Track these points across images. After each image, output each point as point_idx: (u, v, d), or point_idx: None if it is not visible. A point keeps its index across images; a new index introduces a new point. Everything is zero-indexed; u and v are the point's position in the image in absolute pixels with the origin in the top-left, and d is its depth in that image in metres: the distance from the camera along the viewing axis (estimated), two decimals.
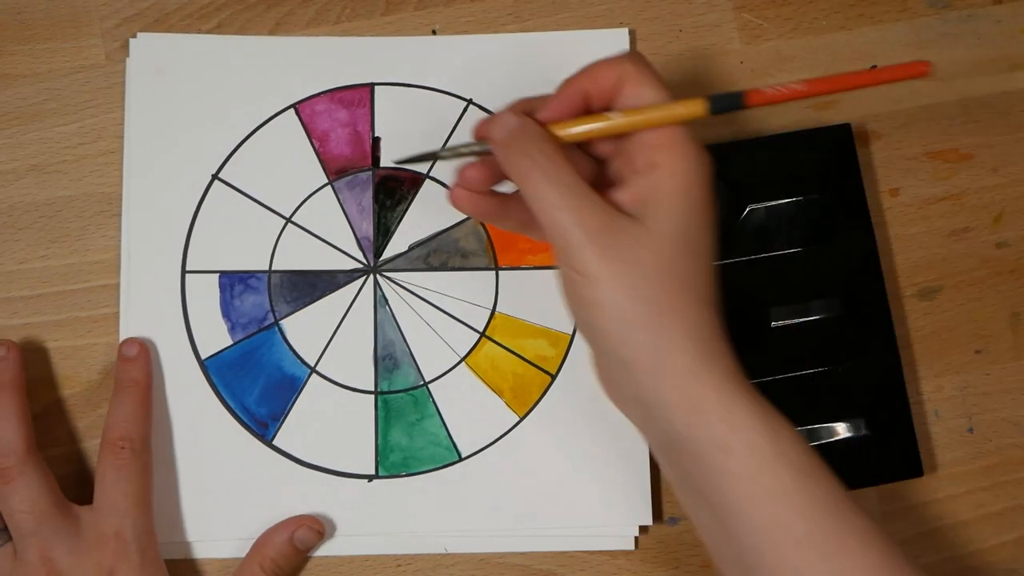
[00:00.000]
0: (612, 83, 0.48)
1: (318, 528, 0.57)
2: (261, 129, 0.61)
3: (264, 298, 0.60)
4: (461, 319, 0.60)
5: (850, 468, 0.58)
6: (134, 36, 0.60)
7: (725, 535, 0.46)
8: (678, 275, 0.46)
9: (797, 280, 0.59)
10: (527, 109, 0.50)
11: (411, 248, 0.60)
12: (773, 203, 0.59)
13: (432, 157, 0.55)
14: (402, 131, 0.61)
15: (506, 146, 0.48)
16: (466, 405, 0.59)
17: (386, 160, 0.61)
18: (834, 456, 0.58)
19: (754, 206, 0.59)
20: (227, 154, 0.60)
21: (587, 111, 0.49)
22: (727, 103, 0.46)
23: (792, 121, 0.62)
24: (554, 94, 0.49)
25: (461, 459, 0.59)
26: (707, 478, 0.46)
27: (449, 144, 0.59)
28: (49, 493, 0.54)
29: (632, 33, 0.62)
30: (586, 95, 0.49)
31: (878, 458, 0.59)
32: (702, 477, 0.46)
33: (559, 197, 0.46)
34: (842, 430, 0.59)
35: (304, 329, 0.59)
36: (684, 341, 0.46)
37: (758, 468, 0.45)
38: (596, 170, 0.51)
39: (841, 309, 0.59)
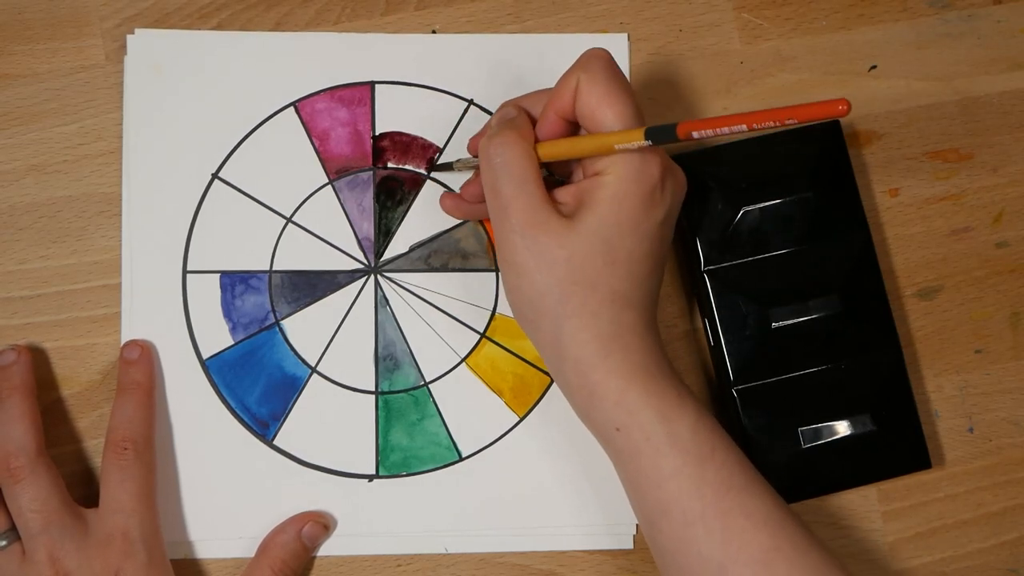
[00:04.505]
0: (570, 99, 0.52)
1: (324, 522, 0.58)
2: (261, 127, 0.61)
3: (265, 298, 0.60)
4: (462, 320, 0.60)
5: (857, 464, 0.59)
6: (132, 33, 0.60)
7: (635, 506, 0.52)
8: (589, 276, 0.50)
9: (795, 280, 0.59)
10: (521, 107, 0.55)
11: (412, 249, 0.60)
12: (767, 204, 0.59)
13: (450, 167, 0.60)
14: (402, 131, 0.61)
15: (492, 129, 0.53)
16: (466, 405, 0.59)
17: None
18: (841, 453, 0.58)
19: (748, 208, 0.59)
20: (227, 153, 0.60)
21: (568, 127, 0.53)
22: (663, 134, 0.48)
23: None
24: (539, 118, 0.54)
25: (461, 459, 0.59)
26: (613, 455, 0.52)
27: (462, 159, 0.60)
28: (58, 493, 0.55)
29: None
30: (558, 113, 0.52)
31: (885, 452, 0.59)
32: (611, 453, 0.52)
33: (506, 185, 0.51)
34: (848, 426, 0.59)
35: (305, 329, 0.59)
36: (584, 334, 0.51)
37: (651, 449, 0.50)
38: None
39: (841, 306, 0.59)
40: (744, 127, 0.45)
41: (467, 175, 0.60)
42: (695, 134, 0.46)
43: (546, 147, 0.53)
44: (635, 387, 0.50)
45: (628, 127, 0.50)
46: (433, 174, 0.61)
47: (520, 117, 0.54)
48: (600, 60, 0.52)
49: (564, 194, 0.52)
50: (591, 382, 0.51)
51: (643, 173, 0.51)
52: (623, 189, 0.50)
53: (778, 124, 0.44)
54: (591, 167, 0.52)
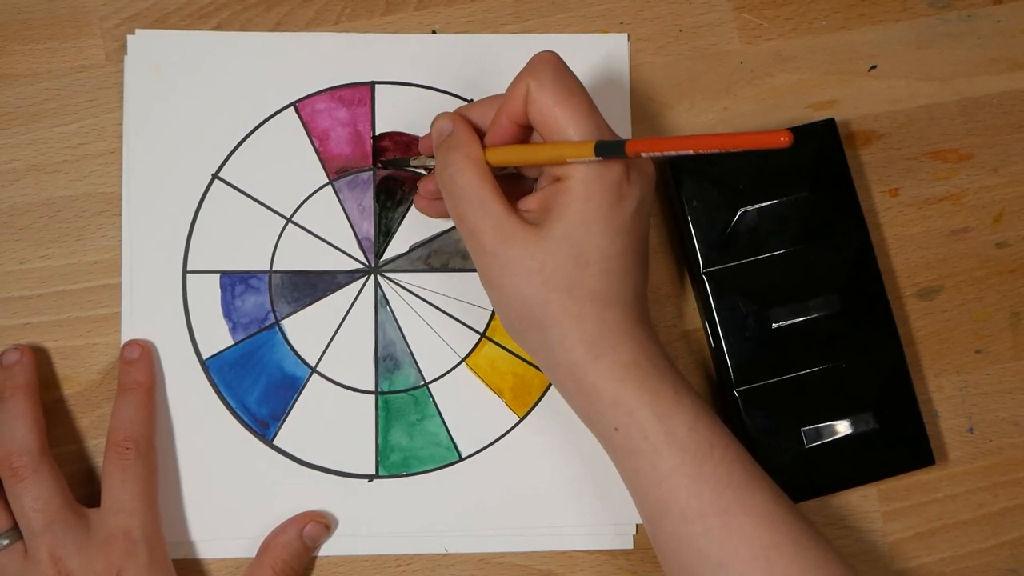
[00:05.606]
0: (522, 104, 0.51)
1: (326, 522, 0.58)
2: (261, 127, 0.61)
3: (265, 298, 0.60)
4: (461, 320, 0.60)
5: (861, 462, 0.59)
6: (132, 33, 0.60)
7: (637, 504, 0.52)
8: (565, 281, 0.50)
9: (795, 280, 0.59)
10: (470, 116, 0.54)
11: (412, 249, 0.61)
12: (764, 204, 0.59)
13: (404, 164, 0.60)
14: (402, 131, 0.61)
15: (437, 153, 0.54)
16: (466, 405, 0.59)
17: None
18: (844, 452, 0.58)
19: (745, 208, 0.59)
20: (227, 153, 0.60)
21: (522, 130, 0.53)
22: (612, 149, 0.48)
23: (788, 120, 0.62)
24: (492, 123, 0.53)
25: (461, 459, 0.59)
26: (612, 455, 0.52)
27: (418, 157, 0.60)
28: (60, 493, 0.55)
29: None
30: (511, 119, 0.52)
31: (888, 450, 0.59)
32: (610, 452, 0.52)
33: (468, 210, 0.51)
34: (850, 425, 0.59)
35: (305, 329, 0.59)
36: (570, 340, 0.51)
37: (648, 448, 0.50)
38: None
39: (840, 305, 0.59)
40: (691, 151, 0.46)
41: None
42: (644, 154, 0.47)
43: (497, 153, 0.52)
44: (630, 387, 0.50)
45: (581, 131, 0.50)
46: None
47: (457, 132, 0.53)
48: (548, 64, 0.51)
49: (530, 202, 0.52)
50: (586, 385, 0.51)
51: (605, 173, 0.50)
52: (587, 190, 0.50)
53: (723, 150, 0.45)
54: (552, 171, 0.52)
